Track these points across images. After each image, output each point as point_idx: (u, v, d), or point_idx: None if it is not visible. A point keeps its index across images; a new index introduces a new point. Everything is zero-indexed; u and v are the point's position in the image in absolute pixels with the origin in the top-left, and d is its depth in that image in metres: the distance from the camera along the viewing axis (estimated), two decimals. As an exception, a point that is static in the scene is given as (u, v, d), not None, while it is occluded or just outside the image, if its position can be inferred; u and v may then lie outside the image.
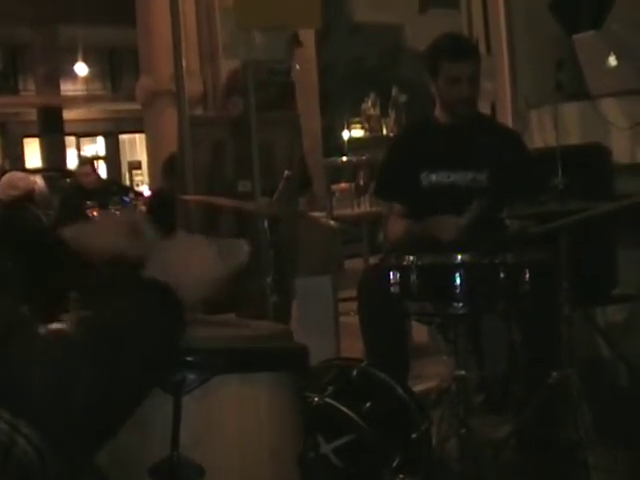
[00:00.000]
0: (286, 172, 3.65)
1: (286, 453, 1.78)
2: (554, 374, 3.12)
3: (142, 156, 22.75)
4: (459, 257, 2.93)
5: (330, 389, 2.84)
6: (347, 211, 5.86)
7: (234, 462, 1.73)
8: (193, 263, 1.53)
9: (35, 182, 6.42)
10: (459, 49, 3.81)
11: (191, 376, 1.68)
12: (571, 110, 4.88)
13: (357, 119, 6.32)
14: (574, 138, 4.75)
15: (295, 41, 6.37)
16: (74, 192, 8.69)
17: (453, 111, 3.83)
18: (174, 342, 1.45)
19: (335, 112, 14.88)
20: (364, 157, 5.60)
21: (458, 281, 2.89)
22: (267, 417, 1.77)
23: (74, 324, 1.38)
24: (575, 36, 4.88)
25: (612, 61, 4.72)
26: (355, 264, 6.54)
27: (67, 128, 26.87)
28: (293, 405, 1.82)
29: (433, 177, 3.80)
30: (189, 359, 1.67)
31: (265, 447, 1.76)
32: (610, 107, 4.74)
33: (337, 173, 7.25)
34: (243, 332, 2.01)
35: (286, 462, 1.78)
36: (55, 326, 1.38)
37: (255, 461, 1.75)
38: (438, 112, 3.90)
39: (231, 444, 1.73)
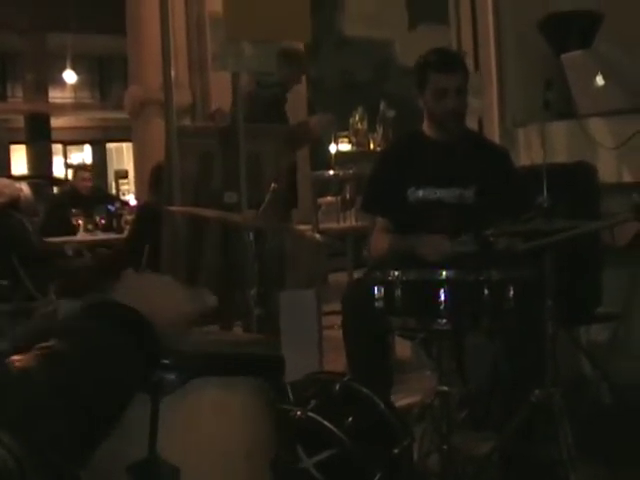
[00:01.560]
0: (273, 185, 3.64)
1: (259, 457, 1.82)
2: (537, 392, 3.12)
3: (129, 165, 22.69)
4: (444, 273, 2.93)
5: (313, 403, 2.83)
6: (333, 225, 5.86)
7: (209, 464, 1.76)
8: (162, 299, 1.60)
9: (21, 189, 6.41)
10: (446, 61, 3.83)
11: (170, 377, 1.69)
12: (558, 129, 4.90)
13: (344, 133, 6.32)
14: (561, 157, 4.76)
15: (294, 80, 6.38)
16: (67, 197, 8.69)
17: (441, 124, 3.83)
18: (146, 370, 1.50)
19: (323, 125, 14.83)
20: (351, 171, 5.60)
21: (442, 297, 2.89)
22: (242, 421, 1.80)
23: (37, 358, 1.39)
24: (563, 55, 4.91)
25: (600, 81, 4.74)
26: (339, 278, 6.53)
27: (54, 136, 26.82)
28: (267, 411, 1.86)
29: (420, 193, 3.80)
30: (168, 361, 1.69)
31: (239, 450, 1.79)
32: (597, 126, 4.76)
33: (324, 187, 7.26)
34: (222, 337, 2.05)
35: (259, 465, 1.81)
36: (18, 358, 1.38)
37: (229, 463, 1.78)
38: (426, 127, 3.90)
39: (207, 446, 1.75)
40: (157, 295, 1.60)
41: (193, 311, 1.67)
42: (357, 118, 6.00)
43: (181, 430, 1.73)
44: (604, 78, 4.71)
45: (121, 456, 1.67)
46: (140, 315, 1.50)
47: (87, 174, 8.83)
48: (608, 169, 4.64)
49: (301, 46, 6.24)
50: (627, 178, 4.67)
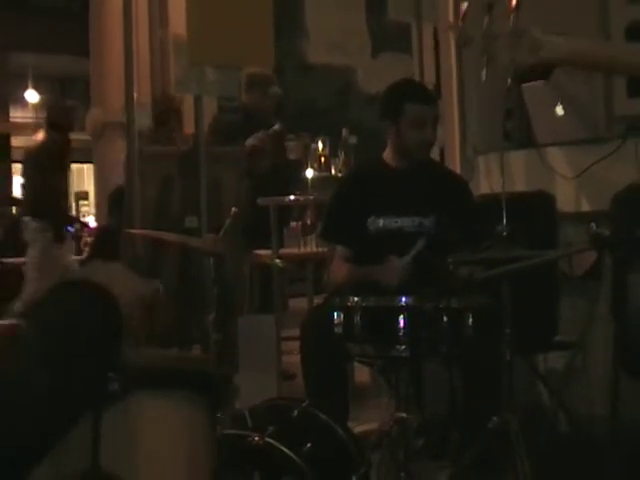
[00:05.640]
0: (233, 209, 3.64)
1: (201, 467, 1.85)
2: (494, 419, 3.13)
3: (89, 187, 22.57)
4: (403, 300, 2.94)
5: (270, 429, 2.82)
6: (293, 250, 5.85)
7: (151, 475, 1.79)
8: (117, 282, 1.59)
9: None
10: (425, 92, 3.89)
11: (112, 388, 1.71)
12: (518, 158, 4.94)
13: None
14: (520, 185, 4.80)
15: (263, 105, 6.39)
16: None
17: (411, 155, 3.82)
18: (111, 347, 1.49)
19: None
20: (312, 197, 5.61)
21: (401, 324, 2.89)
22: (181, 433, 1.84)
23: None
24: (524, 85, 4.95)
25: (559, 111, 4.79)
26: (299, 303, 6.52)
27: (15, 155, 26.59)
28: (207, 425, 1.90)
29: (380, 222, 3.80)
30: (110, 374, 1.70)
31: (181, 461, 1.83)
32: (556, 156, 4.80)
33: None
34: (166, 353, 2.12)
35: (201, 476, 1.85)
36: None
37: (170, 475, 1.82)
38: (388, 155, 3.90)
39: (149, 457, 1.78)
40: (116, 279, 1.60)
41: (147, 294, 1.67)
42: (319, 144, 6.01)
43: (123, 442, 1.75)
44: (563, 108, 4.76)
45: (63, 468, 1.66)
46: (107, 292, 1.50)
47: None
48: (566, 198, 4.68)
49: (269, 71, 6.24)
50: (585, 207, 4.71)
